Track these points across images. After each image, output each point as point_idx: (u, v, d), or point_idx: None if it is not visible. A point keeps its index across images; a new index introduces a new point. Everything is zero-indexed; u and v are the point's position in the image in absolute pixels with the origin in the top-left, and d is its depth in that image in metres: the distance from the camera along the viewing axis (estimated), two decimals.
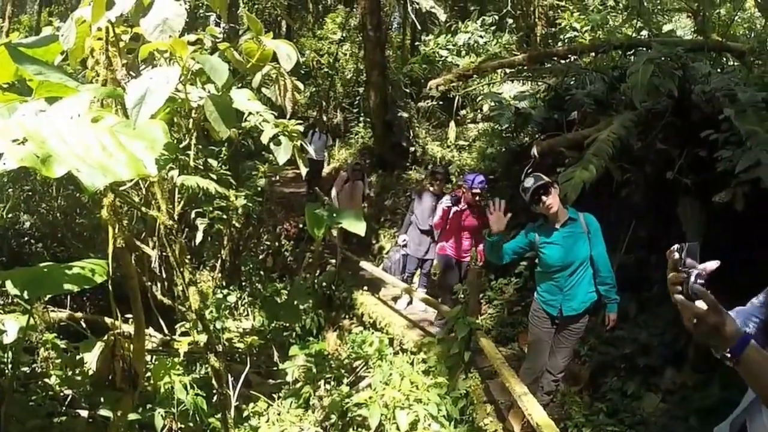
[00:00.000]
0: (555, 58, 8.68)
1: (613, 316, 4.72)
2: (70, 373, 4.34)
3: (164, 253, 7.12)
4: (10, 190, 8.37)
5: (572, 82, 7.71)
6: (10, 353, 3.69)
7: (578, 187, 5.04)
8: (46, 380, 4.32)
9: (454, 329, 5.60)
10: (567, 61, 8.39)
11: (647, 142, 6.04)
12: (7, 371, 3.59)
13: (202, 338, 3.70)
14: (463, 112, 13.71)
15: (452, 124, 11.42)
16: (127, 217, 7.15)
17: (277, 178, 13.13)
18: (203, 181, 7.02)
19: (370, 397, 4.74)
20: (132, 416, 3.73)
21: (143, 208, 3.06)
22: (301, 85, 5.76)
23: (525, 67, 8.56)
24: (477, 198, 6.75)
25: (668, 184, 5.67)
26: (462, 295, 6.87)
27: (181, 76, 2.37)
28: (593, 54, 8.58)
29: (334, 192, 9.70)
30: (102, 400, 3.77)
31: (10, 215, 8.40)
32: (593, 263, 4.55)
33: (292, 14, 20.20)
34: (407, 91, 13.90)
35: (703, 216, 5.36)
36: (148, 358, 5.40)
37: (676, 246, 1.67)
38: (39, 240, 8.81)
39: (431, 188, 8.00)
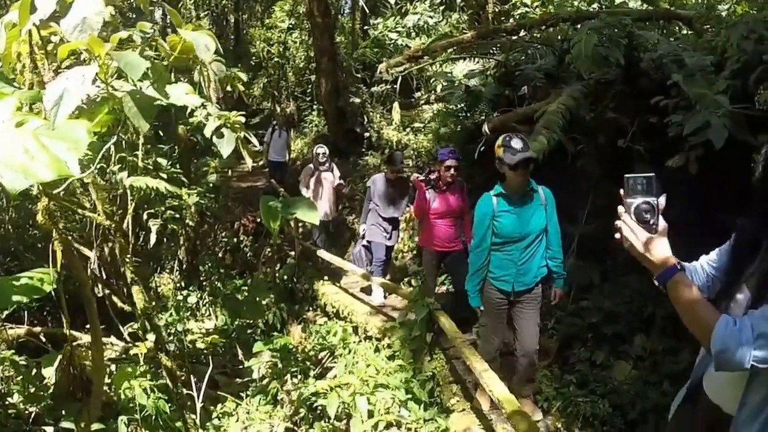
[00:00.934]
0: (504, 35, 8.67)
1: (559, 291, 4.76)
2: (32, 390, 4.24)
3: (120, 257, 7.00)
4: None
5: (522, 58, 7.74)
6: None
7: None
8: (9, 399, 4.20)
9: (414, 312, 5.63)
10: (516, 36, 8.39)
11: (598, 112, 6.10)
12: None
13: (151, 337, 3.63)
14: (417, 94, 13.73)
15: (396, 105, 11.44)
16: (77, 223, 6.99)
17: (230, 173, 12.97)
18: (153, 181, 6.90)
19: (329, 387, 4.72)
20: (95, 426, 3.65)
21: (80, 210, 2.95)
22: (243, 76, 5.68)
23: (475, 45, 8.54)
24: (453, 173, 6.22)
25: (622, 152, 5.74)
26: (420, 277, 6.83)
27: (100, 73, 2.31)
28: (543, 28, 8.61)
29: (302, 186, 9.11)
30: (63, 413, 3.69)
31: None
32: (546, 236, 4.55)
33: (240, 4, 19.88)
34: (358, 76, 13.86)
35: (659, 181, 5.44)
36: (114, 367, 5.30)
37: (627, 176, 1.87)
38: None
39: (387, 173, 7.76)
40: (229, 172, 12.29)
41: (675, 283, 1.80)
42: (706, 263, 2.11)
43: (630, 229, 1.85)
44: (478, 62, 9.20)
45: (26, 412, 4.30)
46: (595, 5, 9.55)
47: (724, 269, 2.02)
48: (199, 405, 4.91)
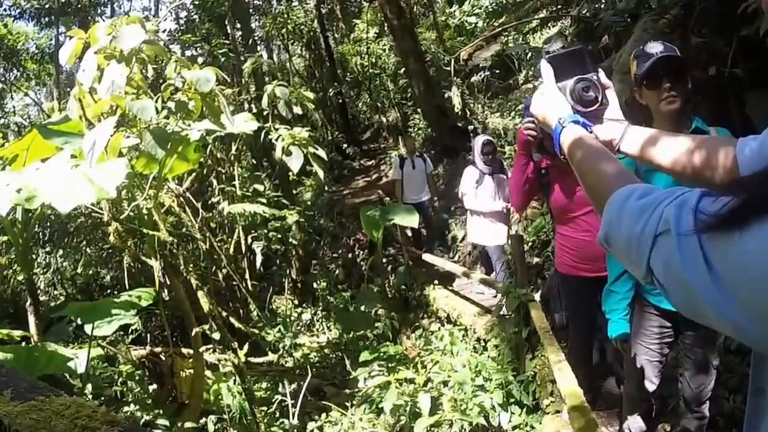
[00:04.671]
0: None
1: None
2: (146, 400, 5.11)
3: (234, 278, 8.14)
4: (88, 249, 10.07)
5: (599, 6, 7.61)
6: (89, 385, 4.51)
7: None
8: (126, 408, 5.08)
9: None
10: None
11: (683, 41, 5.96)
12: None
13: (216, 337, 4.38)
14: (521, 75, 13.82)
15: (454, 89, 11.50)
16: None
17: (329, 189, 13.51)
18: (250, 206, 7.93)
19: (387, 382, 5.15)
20: (188, 424, 4.42)
21: (144, 230, 3.79)
22: (310, 94, 6.46)
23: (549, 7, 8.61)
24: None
25: (724, 82, 5.45)
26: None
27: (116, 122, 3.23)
28: None
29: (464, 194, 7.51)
30: (161, 412, 4.54)
31: (90, 270, 10.30)
32: None
33: (325, 26, 21.09)
34: (449, 69, 14.23)
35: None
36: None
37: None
38: (117, 289, 10.12)
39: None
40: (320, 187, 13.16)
41: (574, 135, 1.32)
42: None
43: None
44: (555, 26, 9.29)
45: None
46: None
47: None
48: (293, 411, 5.53)
